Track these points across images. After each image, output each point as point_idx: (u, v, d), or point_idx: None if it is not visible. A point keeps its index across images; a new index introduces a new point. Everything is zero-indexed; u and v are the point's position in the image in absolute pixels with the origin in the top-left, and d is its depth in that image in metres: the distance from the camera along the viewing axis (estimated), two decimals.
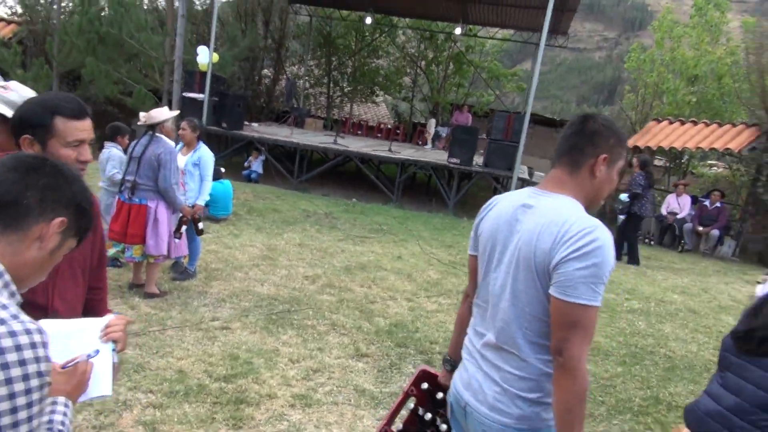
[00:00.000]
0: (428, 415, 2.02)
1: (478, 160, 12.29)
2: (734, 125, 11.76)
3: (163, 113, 4.81)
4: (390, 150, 12.69)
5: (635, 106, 15.14)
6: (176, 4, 12.54)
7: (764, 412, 2.01)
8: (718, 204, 10.89)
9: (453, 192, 11.87)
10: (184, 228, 4.85)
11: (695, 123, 12.35)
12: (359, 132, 18.43)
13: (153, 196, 4.62)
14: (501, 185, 12.19)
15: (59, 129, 1.60)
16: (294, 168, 12.37)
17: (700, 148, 11.71)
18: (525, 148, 11.46)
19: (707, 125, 12.07)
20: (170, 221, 4.73)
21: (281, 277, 5.71)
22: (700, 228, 10.84)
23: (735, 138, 11.17)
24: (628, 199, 8.61)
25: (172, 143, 4.91)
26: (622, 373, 4.51)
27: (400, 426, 2.08)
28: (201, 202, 5.13)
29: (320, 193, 11.73)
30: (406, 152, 13.22)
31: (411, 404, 2.09)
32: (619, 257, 8.71)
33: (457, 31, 16.83)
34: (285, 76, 18.49)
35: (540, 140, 17.09)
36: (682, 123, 12.49)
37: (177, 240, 4.79)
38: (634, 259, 8.71)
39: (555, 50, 22.61)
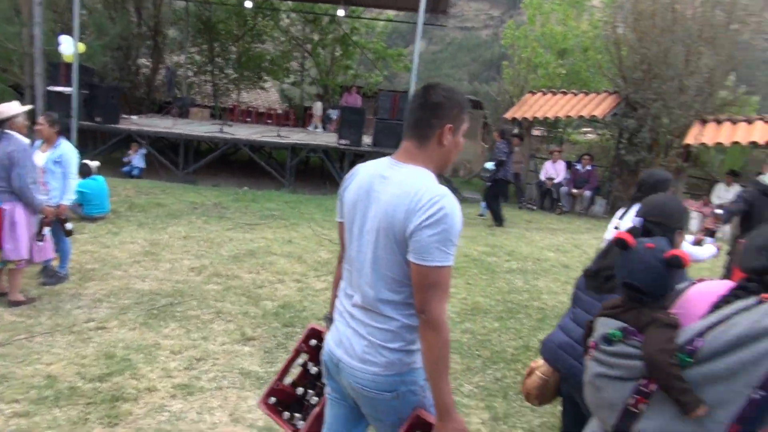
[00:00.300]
0: (314, 369, 2.17)
1: (368, 140, 12.47)
2: (598, 94, 12.76)
3: (11, 108, 4.47)
4: (279, 135, 12.55)
5: (513, 80, 15.97)
6: None
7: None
8: (588, 167, 11.84)
9: (345, 173, 11.97)
10: (46, 230, 4.57)
11: (565, 93, 13.26)
12: (248, 119, 18.02)
13: (8, 198, 4.31)
14: None
15: None
16: (179, 160, 11.91)
17: (570, 117, 12.62)
18: None
19: (575, 95, 13.00)
20: (30, 223, 4.43)
21: (164, 272, 5.55)
22: (575, 190, 11.76)
23: (599, 105, 12.13)
24: (494, 167, 9.10)
25: (25, 140, 4.60)
26: (498, 328, 4.85)
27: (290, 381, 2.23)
28: (66, 202, 4.85)
29: (210, 184, 11.40)
30: (296, 137, 13.12)
31: (302, 360, 2.26)
32: (500, 223, 9.23)
33: (340, 12, 16.80)
34: (165, 65, 17.60)
35: None
36: (554, 94, 13.37)
37: (40, 243, 4.51)
38: (497, 219, 9.13)
39: (444, 30, 23.16)
